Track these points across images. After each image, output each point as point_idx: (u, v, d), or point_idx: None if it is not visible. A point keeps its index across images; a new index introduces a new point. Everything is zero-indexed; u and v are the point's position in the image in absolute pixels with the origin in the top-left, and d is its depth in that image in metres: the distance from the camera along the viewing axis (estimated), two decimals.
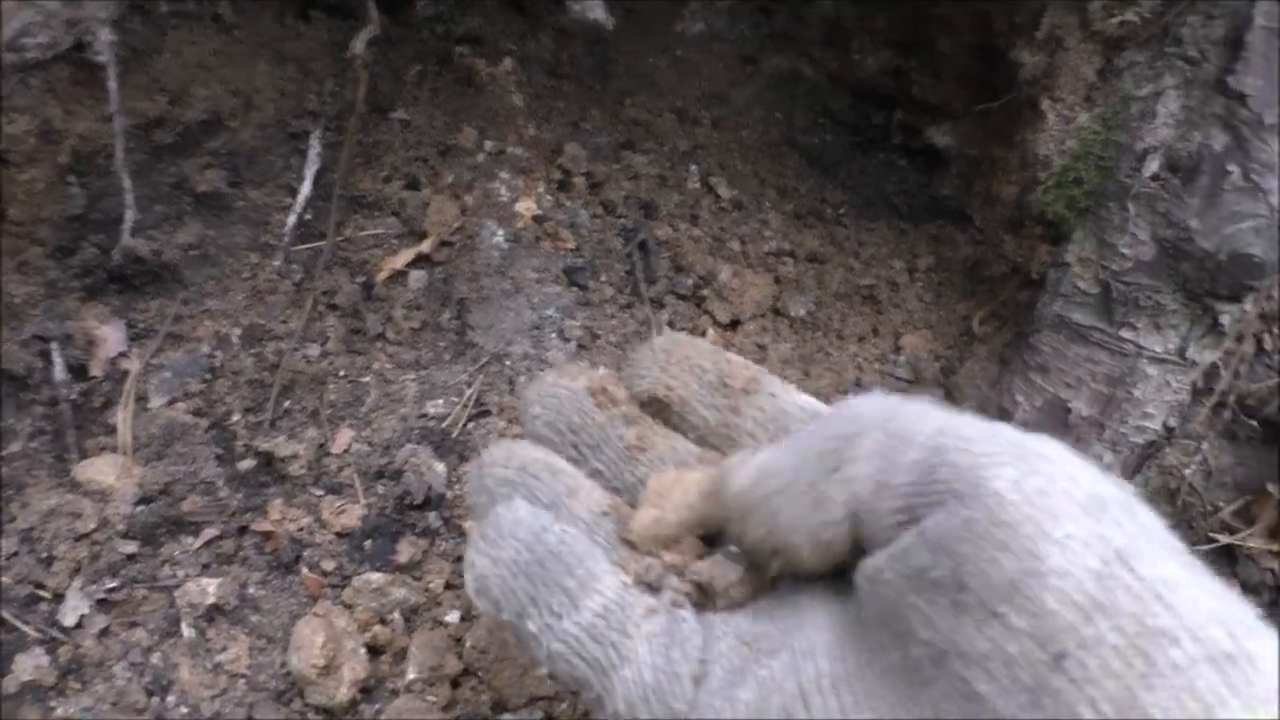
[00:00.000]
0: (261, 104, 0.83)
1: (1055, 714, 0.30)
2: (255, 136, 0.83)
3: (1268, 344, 1.02)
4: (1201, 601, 0.31)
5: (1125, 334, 0.83)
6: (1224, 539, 1.05)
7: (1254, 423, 1.02)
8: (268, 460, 0.76)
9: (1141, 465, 0.89)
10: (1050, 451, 0.35)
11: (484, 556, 0.42)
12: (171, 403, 0.76)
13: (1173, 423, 0.88)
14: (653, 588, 0.44)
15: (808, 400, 0.49)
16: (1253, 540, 1.06)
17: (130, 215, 0.76)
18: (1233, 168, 0.77)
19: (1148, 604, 0.30)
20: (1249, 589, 1.05)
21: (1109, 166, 0.83)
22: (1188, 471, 0.96)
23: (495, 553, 0.42)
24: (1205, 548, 1.04)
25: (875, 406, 0.40)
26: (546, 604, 0.41)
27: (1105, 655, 0.30)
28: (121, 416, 0.74)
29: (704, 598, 0.44)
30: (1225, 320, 0.83)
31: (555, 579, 0.42)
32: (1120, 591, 0.31)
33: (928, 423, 0.37)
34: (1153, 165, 0.79)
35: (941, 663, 0.33)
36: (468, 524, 0.45)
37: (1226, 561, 1.07)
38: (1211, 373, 0.95)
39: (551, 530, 0.43)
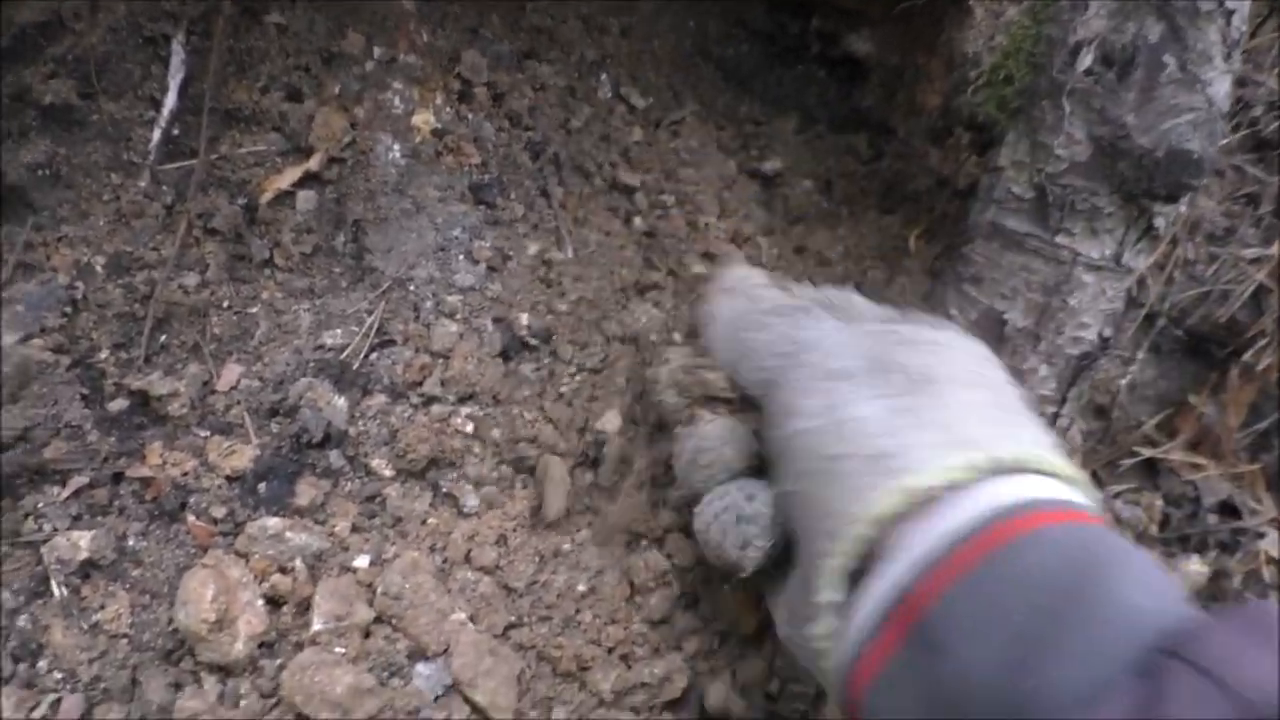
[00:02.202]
0: (109, 3, 0.73)
1: (796, 520, 0.53)
2: (105, 40, 0.73)
3: (1190, 253, 1.00)
4: (883, 424, 0.49)
5: (1061, 240, 0.80)
6: (1146, 452, 1.04)
7: (1180, 333, 1.01)
8: (143, 400, 0.68)
9: (1076, 378, 0.86)
10: (825, 344, 0.56)
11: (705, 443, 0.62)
12: (26, 339, 0.67)
13: (1108, 333, 0.85)
14: None
15: None
16: (1174, 453, 1.06)
17: None
18: (1169, 59, 0.73)
19: (837, 437, 0.50)
20: (1170, 501, 1.05)
21: (1041, 63, 0.79)
22: (1123, 382, 0.94)
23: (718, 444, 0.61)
24: (1128, 462, 1.04)
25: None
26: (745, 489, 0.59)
27: (811, 479, 0.51)
28: None
29: None
30: (1160, 223, 0.80)
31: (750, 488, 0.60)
32: (822, 434, 0.51)
33: (774, 352, 0.59)
34: (1086, 59, 0.76)
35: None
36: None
37: (1149, 475, 1.07)
38: (1142, 282, 0.93)
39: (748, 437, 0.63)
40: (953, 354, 0.53)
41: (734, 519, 0.56)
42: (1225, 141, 0.89)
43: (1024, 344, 0.84)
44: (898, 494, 0.44)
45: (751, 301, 0.62)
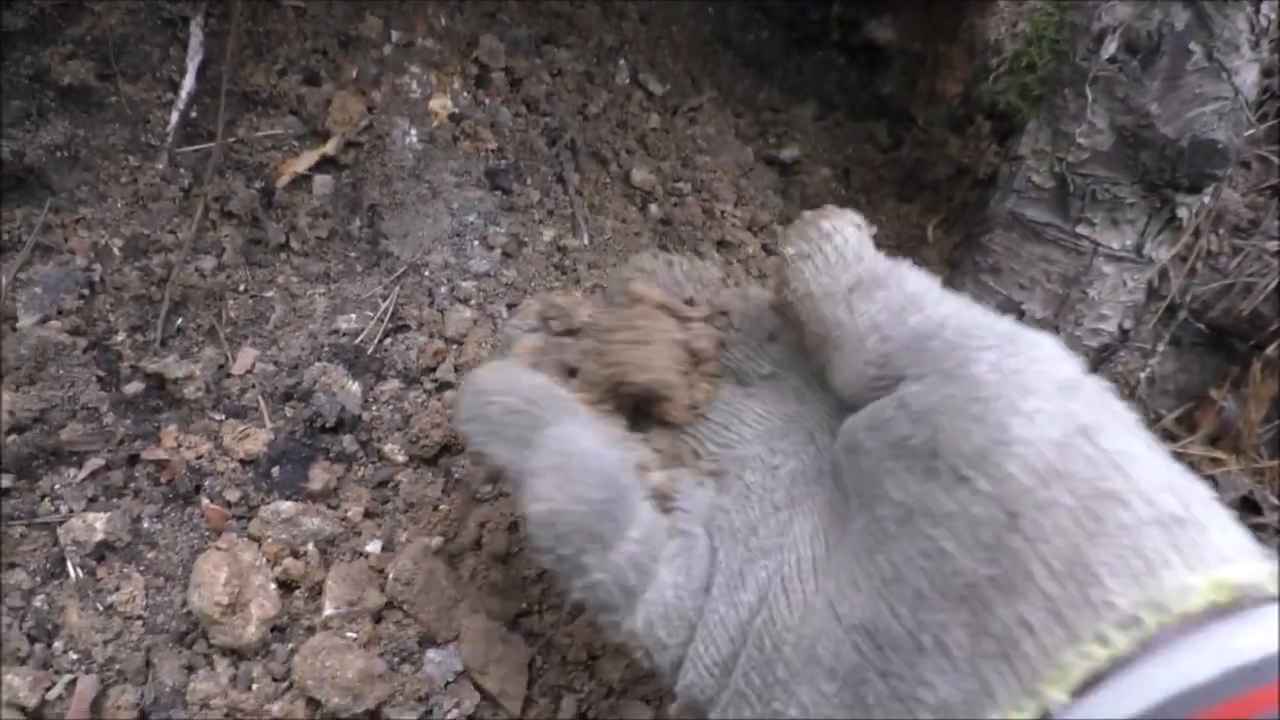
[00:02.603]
0: None
1: (1010, 569, 0.32)
2: (124, 22, 0.73)
3: (1213, 245, 0.99)
4: (1158, 472, 0.32)
5: (1081, 230, 0.79)
6: (1166, 447, 1.03)
7: (1201, 326, 1.00)
8: (159, 383, 0.69)
9: (1096, 370, 0.86)
10: (1039, 339, 0.37)
11: (560, 493, 0.42)
12: (44, 321, 0.67)
13: (1128, 325, 0.84)
14: (664, 504, 0.46)
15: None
16: (1193, 448, 1.05)
17: None
18: (1195, 47, 0.72)
19: (1102, 470, 0.32)
20: None
21: (1064, 50, 0.78)
22: (1143, 375, 0.93)
23: (572, 489, 0.42)
24: None
25: (915, 274, 0.43)
26: (602, 537, 0.42)
27: (1057, 515, 0.32)
28: None
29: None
30: (1183, 214, 0.79)
31: (615, 512, 0.43)
32: (1078, 459, 0.32)
33: (943, 302, 0.40)
34: (1110, 47, 0.75)
35: (907, 522, 0.35)
36: (486, 450, 0.45)
37: None
38: (1164, 273, 0.92)
39: (617, 462, 0.44)
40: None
41: None
42: (1251, 132, 0.88)
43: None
44: (1206, 585, 0.30)
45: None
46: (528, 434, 0.44)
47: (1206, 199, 0.80)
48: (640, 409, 0.51)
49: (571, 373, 0.51)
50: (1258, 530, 0.98)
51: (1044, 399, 0.34)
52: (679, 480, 0.48)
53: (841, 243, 0.44)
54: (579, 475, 0.42)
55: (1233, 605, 0.30)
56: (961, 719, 0.32)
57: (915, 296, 0.40)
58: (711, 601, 0.43)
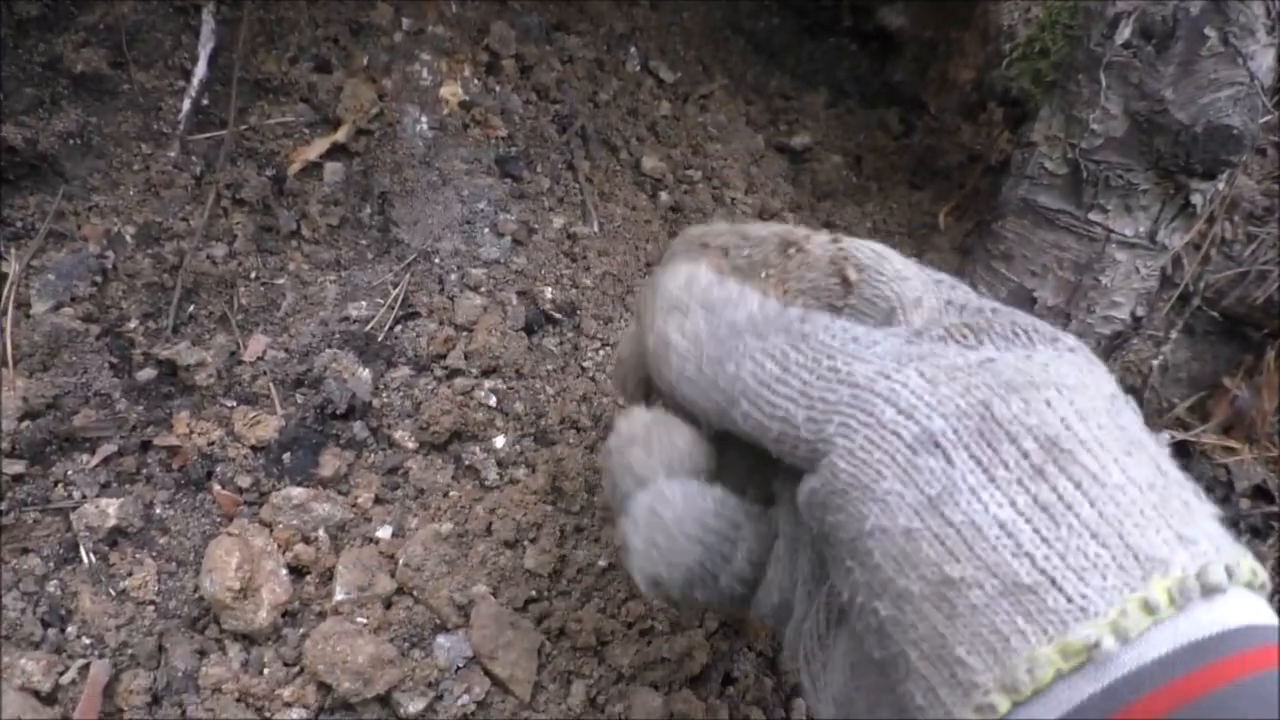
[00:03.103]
0: None
1: (894, 653, 0.34)
2: (137, 10, 0.73)
3: (1228, 232, 0.98)
4: (1014, 533, 0.32)
5: (1094, 217, 0.79)
6: (1178, 435, 1.03)
7: (1215, 314, 0.99)
8: (171, 369, 0.69)
9: (1108, 358, 0.85)
10: (896, 389, 0.36)
11: (659, 565, 0.44)
12: (57, 308, 0.67)
13: (1140, 312, 0.84)
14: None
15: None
16: (1207, 436, 1.04)
17: None
18: (1210, 32, 0.71)
19: (952, 549, 0.32)
20: (1203, 485, 1.03)
21: (1078, 35, 0.78)
22: (1155, 363, 0.93)
23: (672, 559, 0.43)
24: None
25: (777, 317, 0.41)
26: (710, 575, 0.45)
27: (917, 604, 0.33)
28: (0, 324, 0.66)
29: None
30: (1197, 200, 0.78)
31: (718, 556, 0.44)
32: (926, 543, 0.33)
33: (790, 383, 0.39)
34: (1125, 32, 0.74)
35: (842, 611, 0.40)
36: (620, 517, 0.46)
37: (1180, 458, 1.05)
38: (1177, 260, 0.92)
39: (709, 513, 0.44)
40: (1081, 394, 0.36)
41: (662, 521, 0.43)
42: (1267, 118, 0.87)
43: (1054, 323, 0.83)
44: (1053, 653, 0.30)
45: (721, 314, 0.41)
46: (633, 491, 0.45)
47: (1221, 185, 0.80)
48: None
49: None
50: (1270, 519, 0.98)
51: (894, 473, 0.34)
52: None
53: (682, 351, 0.42)
54: (671, 547, 0.43)
55: (1084, 666, 0.30)
56: None
57: (760, 397, 0.40)
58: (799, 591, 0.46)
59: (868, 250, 0.42)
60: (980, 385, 0.35)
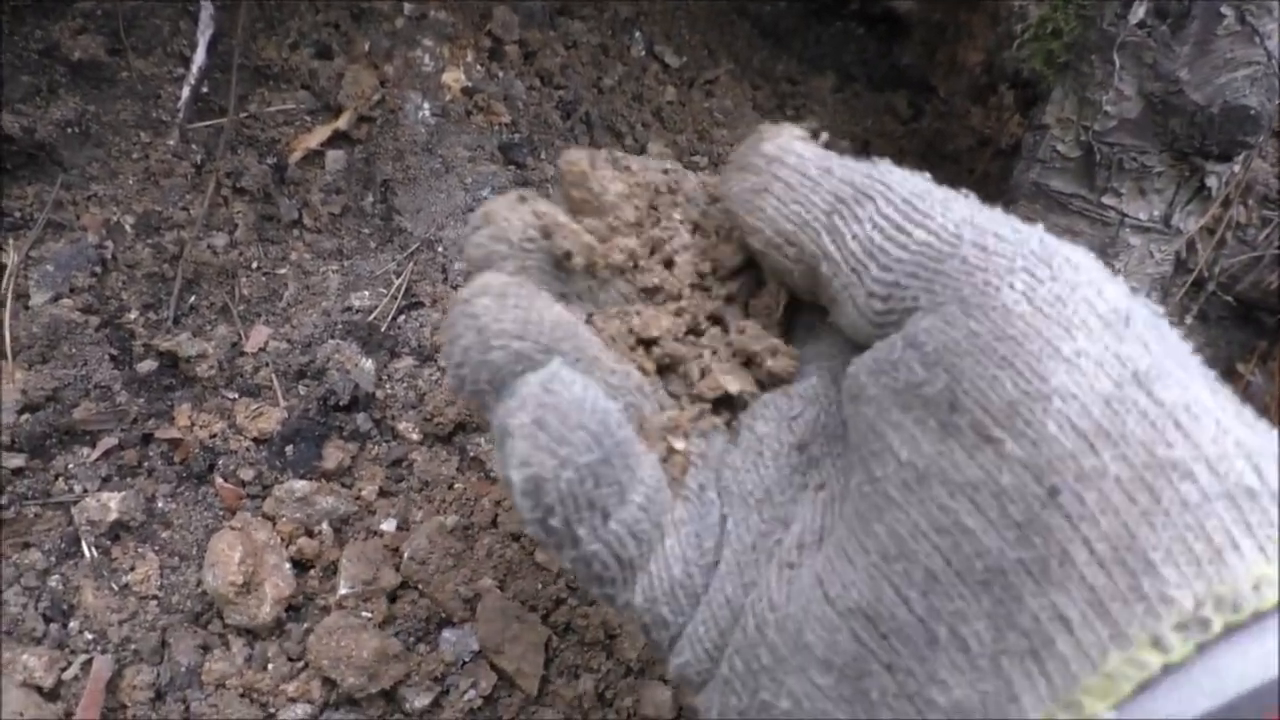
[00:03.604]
0: None
1: (1045, 552, 0.26)
2: None
3: (1242, 216, 0.97)
4: (1230, 430, 0.26)
5: (1108, 200, 0.77)
6: None
7: (1229, 299, 0.98)
8: (171, 361, 0.68)
9: None
10: (1078, 257, 0.30)
11: (545, 454, 0.32)
12: (56, 299, 0.67)
13: (1155, 298, 0.82)
14: (675, 461, 0.37)
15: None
16: None
17: None
18: (1227, 11, 0.70)
19: (1163, 431, 0.26)
20: None
21: (1091, 15, 0.76)
22: None
23: (561, 450, 0.33)
24: None
25: (904, 175, 0.34)
26: (596, 504, 0.34)
27: (1106, 489, 0.26)
28: None
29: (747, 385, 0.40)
30: (1213, 183, 0.77)
31: (613, 474, 0.34)
32: (1132, 417, 0.26)
33: (954, 208, 0.32)
34: (1139, 11, 0.72)
35: (917, 487, 0.29)
36: (475, 401, 0.35)
37: None
38: (1191, 245, 0.90)
39: (613, 415, 0.34)
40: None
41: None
42: None
43: None
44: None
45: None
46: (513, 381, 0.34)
47: (1236, 168, 0.78)
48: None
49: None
50: None
51: (1089, 338, 0.28)
52: (689, 429, 0.39)
53: (797, 160, 0.36)
54: (564, 433, 0.33)
55: None
56: None
57: (913, 204, 0.33)
58: (718, 579, 0.36)
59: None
60: (1145, 304, 0.30)
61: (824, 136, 0.38)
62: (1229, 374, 1.02)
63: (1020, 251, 0.30)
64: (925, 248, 0.32)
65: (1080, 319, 0.28)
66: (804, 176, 0.35)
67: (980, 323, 0.29)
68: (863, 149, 1.02)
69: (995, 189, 0.92)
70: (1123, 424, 0.27)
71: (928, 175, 0.34)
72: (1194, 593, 0.24)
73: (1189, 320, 0.97)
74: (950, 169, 0.99)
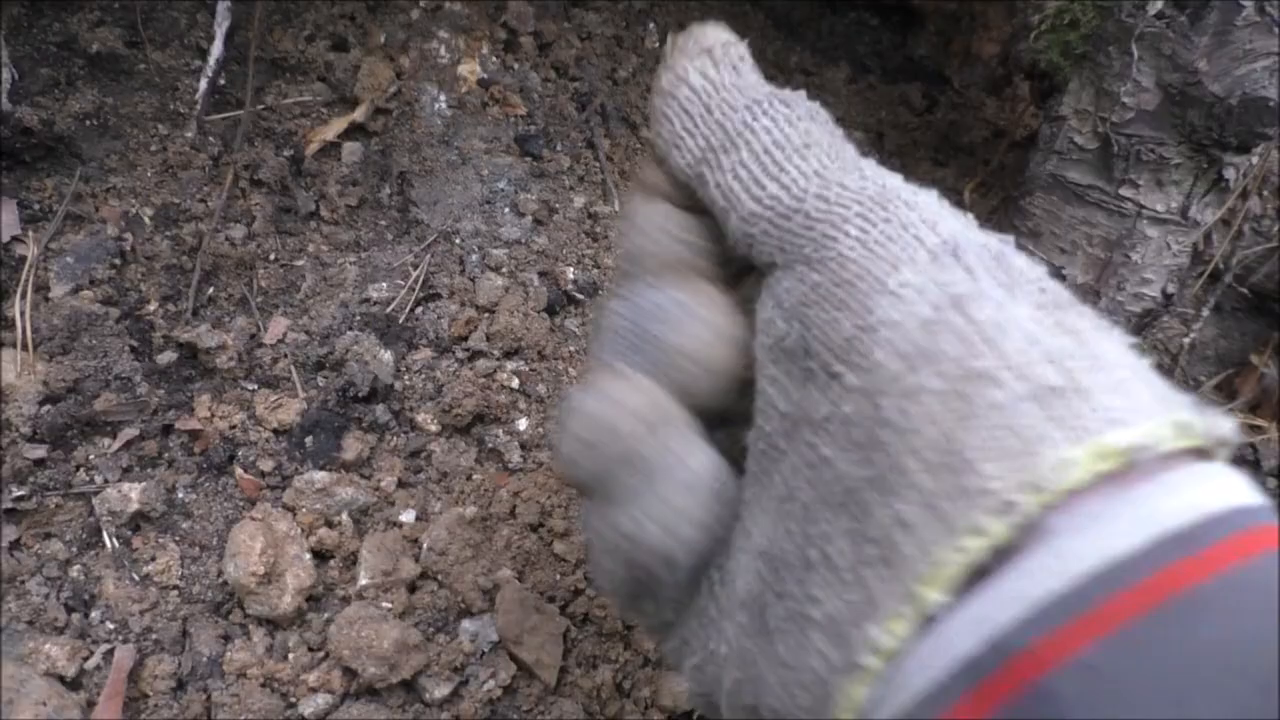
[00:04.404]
0: None
1: (884, 467, 0.28)
2: None
3: (1259, 208, 0.96)
4: (1040, 341, 0.28)
5: (1125, 192, 0.77)
6: None
7: (1244, 290, 0.98)
8: (191, 352, 0.68)
9: (1138, 335, 0.84)
10: (915, 198, 0.32)
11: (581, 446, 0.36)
12: (76, 290, 0.67)
13: (1171, 289, 0.82)
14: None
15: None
16: (1234, 414, 1.03)
17: (7, 75, 0.66)
18: (1246, 2, 0.70)
19: (973, 346, 0.28)
20: (1229, 463, 1.02)
21: (1108, 6, 0.76)
22: (1185, 341, 0.91)
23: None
24: None
25: (775, 120, 0.35)
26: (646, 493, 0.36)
27: (926, 401, 0.28)
28: (19, 307, 0.65)
29: None
30: (1230, 175, 0.77)
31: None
32: (947, 336, 0.29)
33: (806, 157, 0.34)
34: (1157, 3, 0.72)
35: (793, 434, 0.32)
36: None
37: None
38: (1208, 237, 0.90)
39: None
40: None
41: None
42: None
43: (1083, 301, 0.82)
44: (1093, 454, 0.26)
45: (751, 75, 0.37)
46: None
47: (1254, 160, 0.78)
48: None
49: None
50: None
51: (913, 270, 0.30)
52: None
53: (686, 97, 0.36)
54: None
55: (1128, 470, 0.26)
56: (851, 631, 0.28)
57: (769, 155, 0.34)
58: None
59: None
60: (992, 238, 0.32)
61: (741, 48, 0.38)
62: (1242, 366, 1.02)
63: (858, 198, 0.32)
64: (775, 202, 0.33)
65: (908, 254, 0.30)
66: (687, 116, 0.36)
67: (821, 274, 0.31)
68: (877, 140, 1.02)
69: (1011, 180, 0.92)
70: (938, 342, 0.29)
71: (814, 116, 0.35)
72: (1005, 483, 0.26)
73: (1206, 312, 0.96)
74: (965, 160, 0.99)
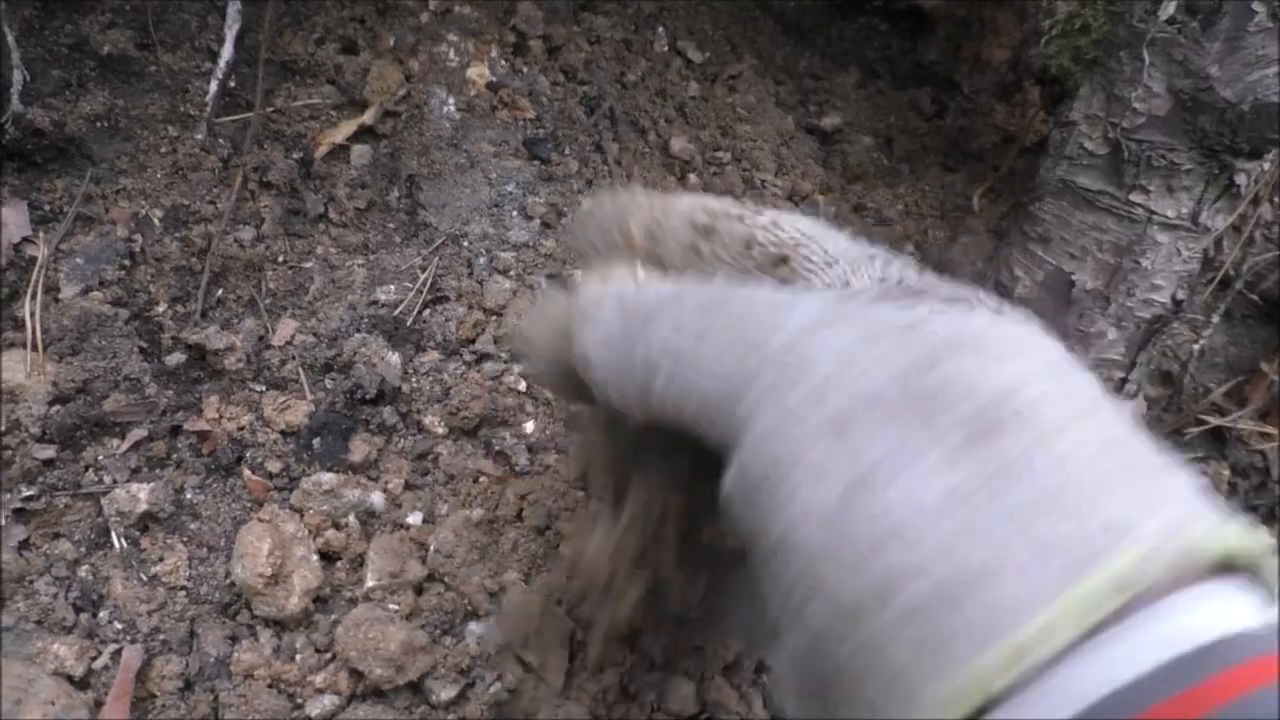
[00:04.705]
0: None
1: (833, 666, 0.29)
2: None
3: (1270, 214, 0.96)
4: (948, 514, 0.27)
5: (1135, 198, 0.77)
6: (1214, 421, 1.01)
7: (1255, 297, 0.97)
8: (200, 354, 0.68)
9: (1148, 342, 0.84)
10: (811, 354, 0.31)
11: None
12: (86, 292, 0.67)
13: (1181, 295, 0.82)
14: None
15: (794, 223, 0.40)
16: (1243, 422, 1.02)
17: (19, 77, 0.66)
18: (1258, 7, 0.70)
19: (880, 541, 0.28)
20: (1238, 471, 1.01)
21: (1119, 11, 0.76)
22: (1195, 348, 0.91)
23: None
24: (1195, 430, 1.00)
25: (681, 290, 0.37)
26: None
27: (849, 607, 0.28)
28: (29, 308, 0.65)
29: None
30: (1241, 180, 0.76)
31: None
32: (851, 534, 0.28)
33: (724, 312, 0.35)
34: (1169, 7, 0.72)
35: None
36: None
37: (1216, 444, 1.04)
38: (1218, 243, 0.90)
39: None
40: (1025, 356, 0.31)
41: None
42: None
43: (1093, 306, 0.82)
44: (1001, 659, 0.25)
45: (635, 305, 0.37)
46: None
47: (1266, 165, 0.78)
48: None
49: None
50: None
51: (814, 459, 0.29)
52: None
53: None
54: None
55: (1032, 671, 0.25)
56: None
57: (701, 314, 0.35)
58: None
59: (789, 225, 0.39)
60: (913, 344, 0.30)
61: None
62: (1252, 373, 1.02)
63: (765, 364, 0.32)
64: (709, 380, 0.34)
65: (807, 436, 0.30)
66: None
67: (741, 463, 0.32)
68: (886, 146, 1.01)
69: (1021, 186, 0.92)
70: (842, 543, 0.28)
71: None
72: (934, 691, 0.26)
73: (1216, 319, 0.96)
74: (974, 166, 0.99)
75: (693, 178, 0.91)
